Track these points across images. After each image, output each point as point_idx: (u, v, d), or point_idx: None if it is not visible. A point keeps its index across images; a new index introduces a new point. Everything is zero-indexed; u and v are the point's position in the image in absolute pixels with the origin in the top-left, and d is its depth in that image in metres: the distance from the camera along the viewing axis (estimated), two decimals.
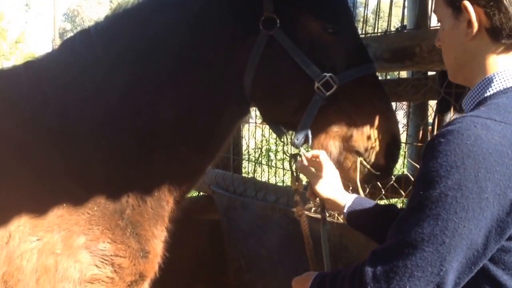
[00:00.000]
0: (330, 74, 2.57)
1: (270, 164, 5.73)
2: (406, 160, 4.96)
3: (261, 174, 5.89)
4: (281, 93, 2.69)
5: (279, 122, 2.83)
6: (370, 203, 2.50)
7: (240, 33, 2.69)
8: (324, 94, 2.57)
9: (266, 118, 2.90)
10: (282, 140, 2.87)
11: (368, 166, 2.65)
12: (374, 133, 2.62)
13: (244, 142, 5.86)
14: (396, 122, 2.75)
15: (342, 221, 3.92)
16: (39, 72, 2.89)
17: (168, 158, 2.81)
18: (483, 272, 1.74)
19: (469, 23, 1.88)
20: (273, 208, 4.56)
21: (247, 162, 6.10)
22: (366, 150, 2.63)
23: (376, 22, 4.47)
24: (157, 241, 2.92)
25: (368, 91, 2.67)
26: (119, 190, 2.76)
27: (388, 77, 5.19)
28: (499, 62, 1.88)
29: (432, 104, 5.00)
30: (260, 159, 5.88)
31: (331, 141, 2.65)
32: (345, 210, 2.48)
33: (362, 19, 4.47)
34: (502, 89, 1.85)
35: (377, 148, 2.63)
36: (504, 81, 1.85)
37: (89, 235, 2.68)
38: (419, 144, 5.21)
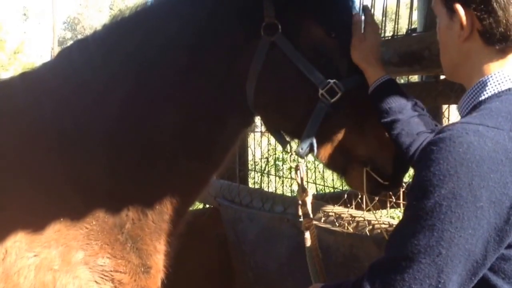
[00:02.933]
0: (334, 80, 2.54)
1: (277, 174, 5.69)
2: None
3: (268, 184, 5.87)
4: (284, 101, 2.67)
5: (283, 131, 2.80)
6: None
7: (241, 40, 2.68)
8: (328, 101, 2.54)
9: (270, 127, 2.88)
10: (286, 149, 2.84)
11: (376, 176, 2.60)
12: (380, 141, 2.59)
13: (250, 152, 5.85)
14: None
15: (352, 231, 3.90)
16: (36, 83, 2.88)
17: (170, 169, 2.79)
18: (483, 281, 1.72)
19: (462, 25, 1.88)
20: (280, 219, 4.54)
21: (253, 172, 6.09)
22: (373, 159, 2.60)
23: (383, 25, 4.44)
24: (160, 255, 2.90)
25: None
26: (119, 203, 2.75)
27: (398, 81, 5.15)
28: (493, 64, 1.88)
29: (445, 108, 4.98)
30: (267, 169, 5.85)
31: (336, 150, 2.63)
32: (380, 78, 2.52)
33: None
34: (496, 92, 1.84)
35: (385, 157, 2.59)
36: (498, 84, 1.85)
37: (88, 250, 2.66)
38: None
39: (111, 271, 2.70)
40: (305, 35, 2.62)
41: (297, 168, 2.81)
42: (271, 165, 6.02)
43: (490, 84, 1.85)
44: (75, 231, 2.65)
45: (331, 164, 2.70)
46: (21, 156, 2.70)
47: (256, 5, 2.65)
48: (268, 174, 5.94)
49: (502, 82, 1.84)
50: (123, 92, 2.75)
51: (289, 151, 2.84)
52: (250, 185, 5.98)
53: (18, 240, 2.57)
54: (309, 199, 2.79)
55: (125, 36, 2.83)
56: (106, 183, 2.73)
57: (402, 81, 5.08)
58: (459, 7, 1.86)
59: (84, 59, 2.83)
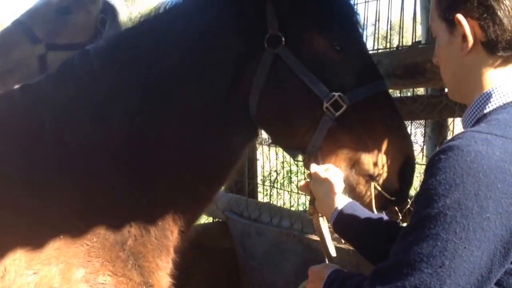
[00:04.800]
0: (339, 93, 2.54)
1: (285, 188, 5.69)
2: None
3: (277, 197, 5.88)
4: (288, 114, 2.67)
5: (288, 145, 2.81)
6: (363, 211, 2.42)
7: (244, 52, 2.68)
8: (333, 115, 2.55)
9: (276, 141, 2.89)
10: (295, 160, 2.84)
11: (383, 191, 2.60)
12: (387, 155, 2.59)
13: (259, 165, 5.86)
14: (410, 143, 2.71)
15: None
16: (36, 95, 2.91)
17: (173, 185, 2.79)
18: None
19: (464, 37, 1.86)
20: (287, 234, 4.54)
21: (263, 185, 6.10)
22: (379, 173, 2.59)
23: (388, 37, 4.45)
24: (162, 273, 2.89)
25: (380, 110, 2.63)
26: (121, 219, 2.74)
27: (403, 94, 5.16)
28: (497, 76, 1.86)
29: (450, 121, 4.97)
30: (275, 182, 5.86)
31: (342, 164, 2.62)
32: (333, 213, 2.42)
33: (374, 35, 4.46)
34: (501, 104, 1.83)
35: (391, 171, 2.59)
36: (503, 95, 1.83)
37: (89, 267, 2.65)
38: None
39: None
40: (309, 47, 2.62)
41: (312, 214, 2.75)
42: (284, 178, 6.01)
43: (495, 96, 1.83)
44: (75, 248, 2.65)
45: None
46: (19, 170, 2.71)
47: (259, 17, 2.65)
48: (276, 187, 5.93)
49: (507, 94, 1.82)
50: (124, 107, 2.76)
51: (300, 160, 2.84)
52: (260, 199, 5.98)
53: (17, 258, 2.57)
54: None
55: (129, 50, 2.84)
56: (107, 200, 2.72)
57: (409, 94, 5.07)
58: (461, 17, 1.84)
59: (86, 71, 2.85)
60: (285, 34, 2.61)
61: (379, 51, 4.22)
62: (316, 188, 2.49)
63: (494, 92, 1.85)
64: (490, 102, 1.85)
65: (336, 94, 2.54)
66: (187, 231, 2.98)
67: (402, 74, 3.50)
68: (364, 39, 4.29)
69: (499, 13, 1.77)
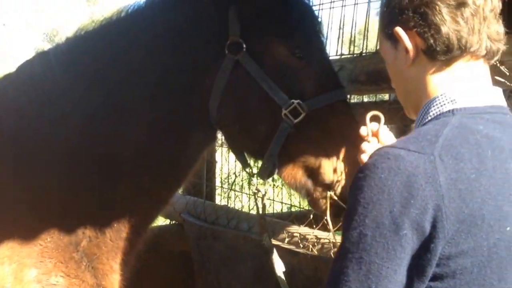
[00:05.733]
0: (298, 100, 2.56)
1: (243, 191, 5.69)
2: None
3: (235, 200, 5.88)
4: (247, 121, 2.69)
5: (246, 151, 2.82)
6: None
7: (206, 57, 2.70)
8: (291, 122, 2.56)
9: (232, 146, 2.90)
10: (246, 170, 2.87)
11: (338, 201, 2.61)
12: (344, 163, 2.61)
13: (218, 167, 5.85)
14: None
15: (317, 253, 3.91)
16: None
17: (130, 187, 2.79)
18: None
19: (406, 48, 1.86)
20: (245, 237, 4.54)
21: (221, 188, 6.09)
22: (335, 182, 2.61)
23: (354, 42, 4.48)
24: (115, 275, 2.89)
25: (338, 119, 2.65)
26: (76, 220, 2.74)
27: (366, 99, 5.20)
28: (442, 82, 1.84)
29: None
30: (233, 185, 5.86)
31: (299, 171, 2.64)
32: None
33: (338, 39, 4.49)
34: (437, 115, 1.82)
35: (348, 180, 2.60)
36: (441, 106, 1.82)
37: (41, 268, 2.65)
38: None
39: None
40: (270, 54, 2.64)
41: (256, 193, 2.86)
42: (242, 180, 6.01)
43: (434, 106, 1.83)
44: (28, 248, 2.64)
45: (293, 185, 2.71)
46: None
47: (221, 23, 2.67)
48: (235, 190, 5.93)
49: (444, 104, 1.80)
50: (85, 109, 2.75)
51: (250, 172, 2.86)
52: (218, 202, 5.96)
53: None
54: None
55: (90, 53, 2.84)
56: (63, 200, 2.72)
57: (375, 99, 5.11)
58: (399, 29, 1.85)
59: (46, 73, 2.83)
60: (246, 41, 2.63)
61: (343, 56, 4.25)
62: None
63: (433, 103, 1.84)
64: (429, 113, 1.85)
65: (296, 101, 2.55)
66: (143, 233, 2.98)
67: (365, 80, 3.53)
68: (329, 44, 4.37)
69: (432, 17, 1.77)
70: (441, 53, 1.80)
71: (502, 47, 1.85)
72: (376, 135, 2.25)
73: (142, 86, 2.74)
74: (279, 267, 2.73)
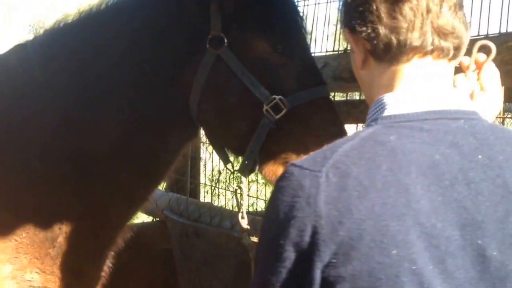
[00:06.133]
0: (280, 96, 2.54)
1: (227, 188, 5.67)
2: None
3: (218, 197, 5.87)
4: (228, 116, 2.67)
5: (227, 147, 2.81)
6: None
7: (186, 52, 2.67)
8: (273, 118, 2.54)
9: (213, 142, 2.88)
10: (227, 166, 2.85)
11: None
12: None
13: (202, 164, 5.83)
14: None
15: None
16: None
17: (107, 183, 2.77)
18: None
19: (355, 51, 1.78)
20: (227, 235, 4.51)
21: (205, 185, 6.07)
22: None
23: (338, 40, 4.45)
24: (93, 271, 2.88)
25: (320, 115, 2.63)
26: (52, 216, 2.71)
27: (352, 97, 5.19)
28: (388, 85, 1.71)
29: None
30: (218, 182, 5.84)
31: (280, 168, 2.61)
32: None
33: (323, 37, 4.50)
34: (368, 123, 1.70)
35: None
36: (373, 113, 1.70)
37: (16, 264, 2.63)
38: None
39: (39, 286, 2.66)
40: (251, 50, 2.62)
41: (238, 191, 2.84)
42: (230, 177, 5.98)
43: (369, 114, 1.72)
44: (3, 244, 2.61)
45: (274, 181, 2.66)
46: None
47: (202, 18, 2.64)
48: (218, 187, 5.91)
49: (377, 111, 1.67)
50: (61, 103, 2.72)
51: (231, 169, 2.85)
52: (202, 199, 5.94)
53: None
54: (244, 223, 2.77)
55: (68, 46, 2.82)
56: (38, 195, 2.68)
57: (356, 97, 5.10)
58: (346, 31, 1.76)
59: (22, 66, 2.80)
60: (228, 36, 2.61)
61: (327, 53, 4.24)
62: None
63: (370, 109, 1.74)
64: (367, 121, 1.73)
65: (277, 97, 2.53)
66: (122, 229, 2.97)
67: (349, 77, 3.51)
68: (314, 41, 4.35)
69: (370, 16, 1.66)
70: (383, 53, 1.68)
71: (464, 41, 1.69)
72: (479, 68, 1.92)
73: (120, 81, 2.71)
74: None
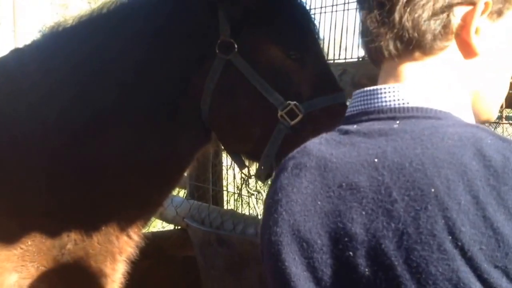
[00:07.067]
0: (294, 102, 2.51)
1: (250, 195, 5.57)
2: None
3: (242, 204, 5.81)
4: (240, 121, 2.65)
5: (241, 152, 2.79)
6: None
7: (196, 57, 2.66)
8: (288, 123, 2.52)
9: (227, 147, 2.86)
10: (242, 171, 2.83)
11: None
12: None
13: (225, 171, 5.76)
14: None
15: None
16: None
17: (117, 190, 2.72)
18: None
19: None
20: (252, 243, 4.39)
21: (229, 193, 6.02)
22: None
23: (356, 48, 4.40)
24: (105, 279, 2.81)
25: (336, 122, 2.53)
26: (59, 223, 2.67)
27: None
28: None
29: None
30: (240, 189, 5.79)
31: None
32: None
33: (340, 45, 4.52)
34: None
35: None
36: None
37: (23, 272, 2.60)
38: None
39: None
40: (263, 55, 2.61)
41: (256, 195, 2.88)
42: (255, 185, 5.93)
43: None
44: (8, 252, 2.58)
45: None
46: None
47: (212, 22, 2.62)
48: (241, 194, 5.85)
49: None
50: (64, 107, 2.68)
51: (248, 174, 2.82)
52: (225, 206, 5.87)
53: None
54: None
55: (66, 48, 2.78)
56: (44, 203, 2.64)
57: None
58: None
59: (21, 71, 2.77)
60: (238, 41, 2.59)
61: (346, 60, 4.25)
62: None
63: None
64: None
65: (292, 103, 2.52)
66: (135, 236, 2.91)
67: (367, 84, 3.40)
68: (332, 48, 4.35)
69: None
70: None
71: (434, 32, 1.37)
72: None
73: (127, 86, 2.68)
74: None
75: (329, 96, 2.60)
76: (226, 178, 6.00)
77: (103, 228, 2.73)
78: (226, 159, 5.64)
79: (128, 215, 2.81)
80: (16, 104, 2.70)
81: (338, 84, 2.79)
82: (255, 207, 2.96)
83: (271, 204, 1.40)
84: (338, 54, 4.45)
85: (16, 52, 2.88)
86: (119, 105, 2.67)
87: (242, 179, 5.52)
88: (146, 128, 2.69)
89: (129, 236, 2.85)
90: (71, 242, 2.67)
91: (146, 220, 3.03)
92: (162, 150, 2.72)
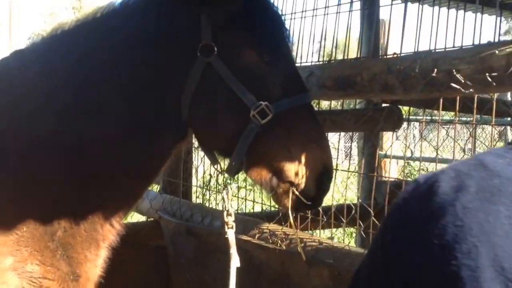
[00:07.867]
0: (266, 102, 2.68)
1: (217, 190, 5.79)
2: (346, 188, 5.11)
3: (209, 199, 5.97)
4: (216, 120, 2.80)
5: (215, 150, 2.93)
6: None
7: (178, 59, 2.78)
8: (259, 122, 2.67)
9: (202, 144, 3.00)
10: (215, 167, 2.96)
11: (300, 196, 2.78)
12: (307, 163, 2.75)
13: (194, 168, 5.93)
14: (328, 152, 2.89)
15: (284, 248, 4.02)
16: None
17: (103, 181, 2.86)
18: None
19: None
20: (218, 234, 4.62)
21: (199, 188, 6.18)
22: (298, 179, 2.76)
23: (333, 55, 4.63)
24: (90, 264, 2.95)
25: (303, 121, 2.80)
26: (51, 211, 2.80)
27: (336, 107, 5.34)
28: None
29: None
30: (208, 186, 5.95)
31: (265, 169, 2.78)
32: None
33: (319, 52, 4.66)
34: None
35: (310, 179, 2.77)
36: None
37: (17, 256, 2.70)
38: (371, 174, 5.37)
39: (39, 277, 2.74)
40: (240, 58, 2.75)
41: (224, 189, 2.99)
42: (217, 181, 6.12)
43: None
44: (4, 237, 2.69)
45: (259, 182, 2.84)
46: None
47: (194, 26, 2.76)
48: (209, 190, 6.02)
49: None
50: (58, 102, 2.81)
51: (219, 169, 2.96)
52: (193, 200, 6.05)
53: None
54: (231, 219, 2.94)
55: (64, 50, 2.91)
56: (37, 192, 2.77)
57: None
58: None
59: (20, 71, 2.90)
60: (218, 44, 2.72)
61: (313, 63, 4.39)
62: None
63: None
64: None
65: (263, 103, 2.67)
66: (117, 225, 3.04)
67: (332, 85, 3.63)
68: (300, 51, 4.50)
69: None
70: None
71: None
72: None
73: (116, 87, 2.82)
74: (235, 262, 2.84)
75: (296, 96, 2.78)
76: (196, 174, 6.17)
77: (89, 217, 2.85)
78: (196, 157, 5.79)
79: (112, 206, 2.93)
80: (15, 103, 2.84)
81: (304, 85, 2.94)
82: (223, 201, 3.07)
83: (445, 227, 1.14)
84: (306, 58, 4.60)
85: (16, 54, 3.00)
86: (111, 105, 2.80)
87: (210, 175, 5.77)
88: (132, 127, 2.82)
89: (112, 225, 2.97)
90: (61, 229, 2.79)
91: (127, 211, 3.16)
92: (146, 147, 2.85)
